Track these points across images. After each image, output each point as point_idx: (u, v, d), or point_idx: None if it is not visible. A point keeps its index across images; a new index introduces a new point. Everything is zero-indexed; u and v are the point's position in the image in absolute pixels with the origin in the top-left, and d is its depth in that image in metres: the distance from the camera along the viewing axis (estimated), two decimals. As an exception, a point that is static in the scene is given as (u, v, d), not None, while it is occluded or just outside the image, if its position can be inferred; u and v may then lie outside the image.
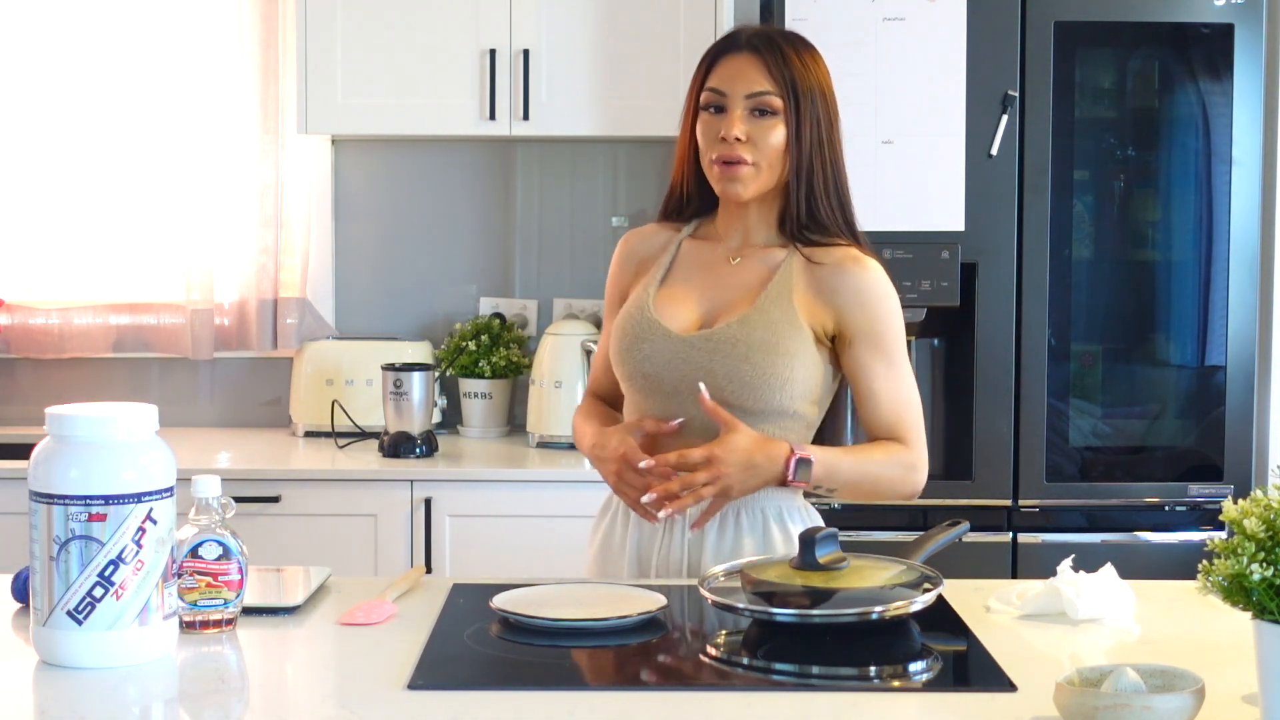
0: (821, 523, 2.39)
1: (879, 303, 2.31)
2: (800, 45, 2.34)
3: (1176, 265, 3.57)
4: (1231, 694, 1.70)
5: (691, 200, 2.42)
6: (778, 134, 2.29)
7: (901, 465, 2.31)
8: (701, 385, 2.25)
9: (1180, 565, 3.36)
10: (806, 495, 2.40)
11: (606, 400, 2.52)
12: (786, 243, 2.35)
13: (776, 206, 2.36)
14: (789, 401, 2.28)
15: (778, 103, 2.28)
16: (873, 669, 1.84)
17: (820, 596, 1.95)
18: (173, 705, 1.76)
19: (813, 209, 2.32)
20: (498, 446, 3.88)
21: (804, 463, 2.23)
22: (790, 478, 2.24)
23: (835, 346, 2.33)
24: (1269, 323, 3.57)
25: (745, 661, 1.90)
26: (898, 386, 2.32)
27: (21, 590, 2.06)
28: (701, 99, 2.33)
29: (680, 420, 2.30)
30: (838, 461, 2.28)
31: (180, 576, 1.93)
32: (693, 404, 2.28)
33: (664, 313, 2.34)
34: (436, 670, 1.82)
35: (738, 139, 2.27)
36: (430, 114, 3.78)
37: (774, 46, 2.31)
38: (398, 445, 3.68)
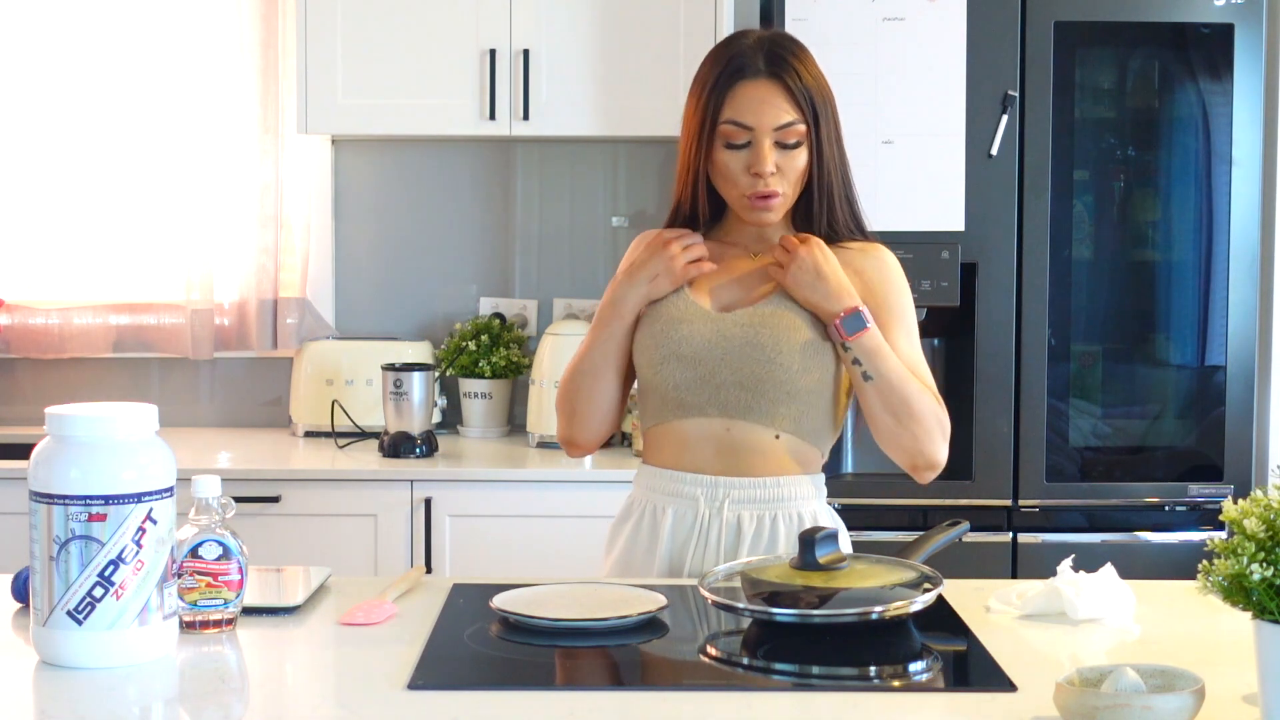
0: (845, 527, 2.40)
1: (902, 284, 2.37)
2: (801, 53, 2.32)
3: (1176, 265, 3.57)
4: (1231, 694, 1.70)
5: (698, 215, 2.40)
6: (802, 159, 2.30)
7: (935, 412, 2.30)
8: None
9: (1180, 565, 3.36)
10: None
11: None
12: None
13: (789, 211, 2.37)
14: (826, 375, 2.30)
15: (803, 129, 2.28)
16: (873, 669, 1.84)
17: (820, 596, 1.95)
18: (173, 705, 1.76)
19: (831, 217, 2.35)
20: (498, 446, 3.88)
21: (859, 314, 2.24)
22: (841, 318, 2.24)
23: None
24: (1269, 323, 3.57)
25: (745, 661, 1.90)
26: (919, 360, 2.34)
27: (21, 590, 2.06)
28: (723, 131, 2.28)
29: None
30: (888, 352, 2.27)
31: (180, 576, 1.93)
32: (725, 391, 2.28)
33: (698, 297, 2.35)
34: (436, 670, 1.82)
35: (770, 173, 2.28)
36: (430, 114, 3.78)
37: (787, 65, 2.28)
38: (398, 445, 3.68)
